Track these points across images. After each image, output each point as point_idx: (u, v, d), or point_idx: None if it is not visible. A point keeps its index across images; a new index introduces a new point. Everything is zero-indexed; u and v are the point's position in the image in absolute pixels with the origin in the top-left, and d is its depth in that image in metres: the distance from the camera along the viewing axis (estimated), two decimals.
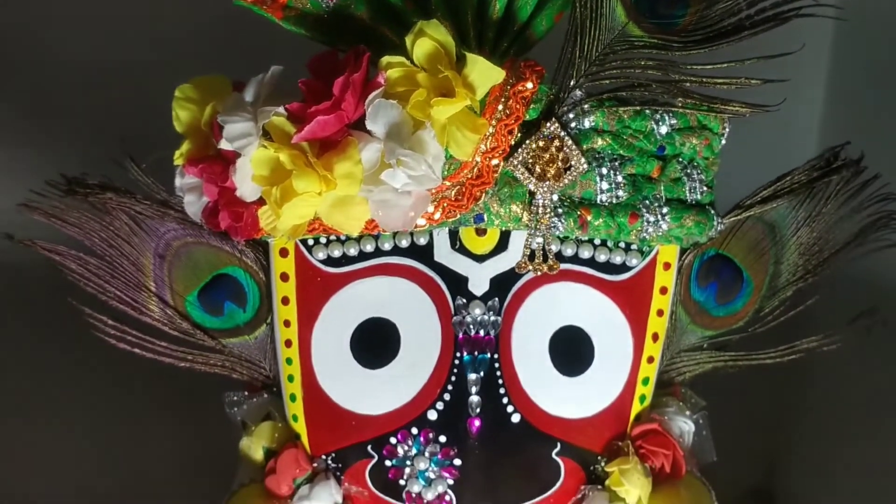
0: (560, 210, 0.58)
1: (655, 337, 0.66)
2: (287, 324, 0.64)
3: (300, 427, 0.66)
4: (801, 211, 0.68)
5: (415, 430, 0.62)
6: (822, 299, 0.70)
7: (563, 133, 0.56)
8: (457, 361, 0.61)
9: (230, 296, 0.67)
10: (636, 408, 0.67)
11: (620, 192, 0.60)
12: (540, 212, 0.58)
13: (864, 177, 0.69)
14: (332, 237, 0.62)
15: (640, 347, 0.65)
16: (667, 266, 0.65)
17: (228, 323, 0.67)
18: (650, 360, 0.66)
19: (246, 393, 0.69)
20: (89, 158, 0.65)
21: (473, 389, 0.61)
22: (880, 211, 0.69)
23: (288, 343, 0.65)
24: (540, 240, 0.59)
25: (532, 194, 0.58)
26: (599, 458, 0.66)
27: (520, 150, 0.56)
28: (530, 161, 0.57)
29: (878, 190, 0.69)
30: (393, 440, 0.63)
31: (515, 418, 0.62)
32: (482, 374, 0.61)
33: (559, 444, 0.64)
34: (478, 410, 0.61)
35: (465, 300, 0.61)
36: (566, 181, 0.58)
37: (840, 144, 0.68)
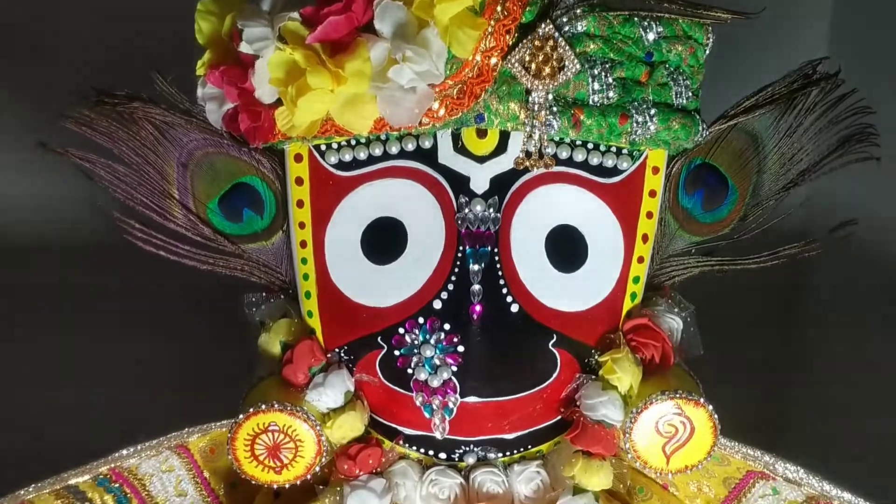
0: (555, 109, 0.63)
1: (645, 238, 0.71)
2: (302, 226, 0.69)
3: (315, 322, 0.71)
4: (782, 123, 0.73)
5: (421, 320, 0.67)
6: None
7: (557, 34, 0.61)
8: (459, 254, 0.66)
9: (249, 203, 0.71)
10: (627, 304, 0.71)
11: (611, 94, 0.64)
12: (536, 109, 0.62)
13: (841, 90, 0.73)
14: (343, 143, 0.67)
15: (631, 247, 0.70)
16: (655, 170, 0.69)
17: (247, 229, 0.72)
18: (640, 259, 0.71)
19: (264, 294, 0.73)
20: (117, 73, 0.70)
21: (475, 279, 0.65)
22: (856, 123, 0.73)
23: (303, 244, 0.69)
24: (537, 138, 0.64)
25: (528, 92, 0.62)
26: (593, 351, 0.70)
27: (517, 49, 0.61)
28: (527, 60, 0.61)
29: (855, 104, 0.74)
30: (401, 330, 0.67)
31: (514, 308, 0.67)
32: (483, 265, 0.65)
33: (555, 336, 0.68)
34: (479, 298, 0.65)
35: (467, 198, 0.66)
36: (560, 80, 0.62)
37: (818, 59, 0.72)
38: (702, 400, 0.68)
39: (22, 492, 0.76)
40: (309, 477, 0.69)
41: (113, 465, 0.77)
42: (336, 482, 0.69)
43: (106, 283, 1.11)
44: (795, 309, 1.32)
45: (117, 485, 0.79)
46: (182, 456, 0.79)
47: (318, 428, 0.68)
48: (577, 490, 0.69)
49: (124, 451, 0.77)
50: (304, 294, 0.70)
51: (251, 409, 0.67)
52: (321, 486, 0.70)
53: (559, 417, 0.71)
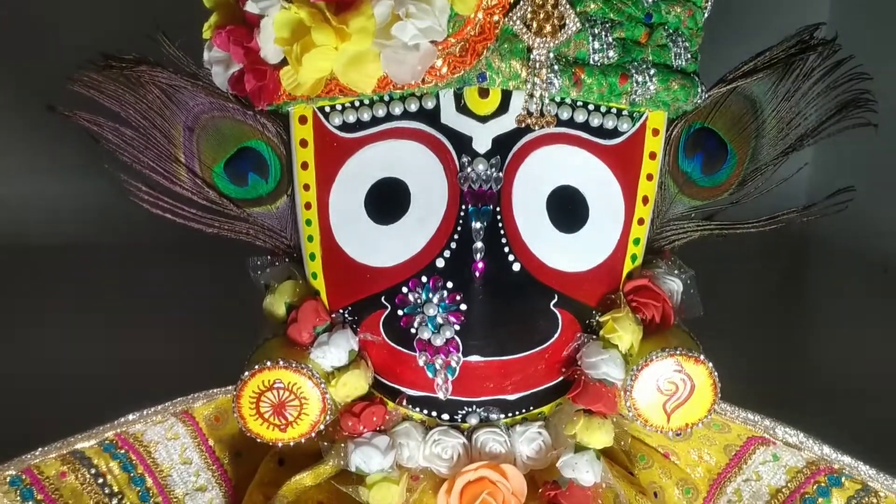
0: (556, 67, 0.64)
1: (645, 200, 0.71)
2: (306, 187, 0.70)
3: (319, 284, 0.72)
4: (781, 87, 0.74)
5: (424, 279, 0.68)
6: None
7: None
8: (462, 213, 0.67)
9: (254, 167, 0.72)
10: (628, 266, 0.72)
11: (611, 53, 0.65)
12: (537, 67, 0.63)
13: (838, 56, 0.74)
14: (347, 104, 0.68)
15: (632, 209, 0.71)
16: (655, 132, 0.70)
17: (252, 193, 0.73)
18: (640, 221, 0.72)
19: (269, 258, 0.74)
20: (125, 38, 0.71)
21: (477, 237, 0.66)
22: (852, 89, 0.74)
23: (307, 205, 0.70)
24: (538, 97, 0.65)
25: (530, 50, 0.63)
26: (594, 311, 0.71)
27: (518, 6, 0.62)
28: (528, 17, 0.62)
29: (852, 69, 0.75)
30: (404, 289, 0.68)
31: (516, 267, 0.68)
32: (485, 224, 0.66)
33: (556, 296, 0.69)
34: (481, 256, 0.66)
35: (469, 158, 0.67)
36: (561, 38, 0.63)
37: (815, 24, 0.73)
38: (702, 357, 0.69)
39: (28, 456, 0.77)
40: (313, 435, 0.70)
41: (119, 431, 0.78)
42: (340, 440, 0.70)
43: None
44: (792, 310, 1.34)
45: (123, 451, 0.79)
46: (187, 424, 0.80)
47: (322, 386, 0.69)
48: (579, 448, 0.70)
49: (130, 417, 0.78)
50: (309, 256, 0.71)
51: (256, 367, 0.68)
52: (326, 444, 0.70)
53: (561, 379, 0.72)
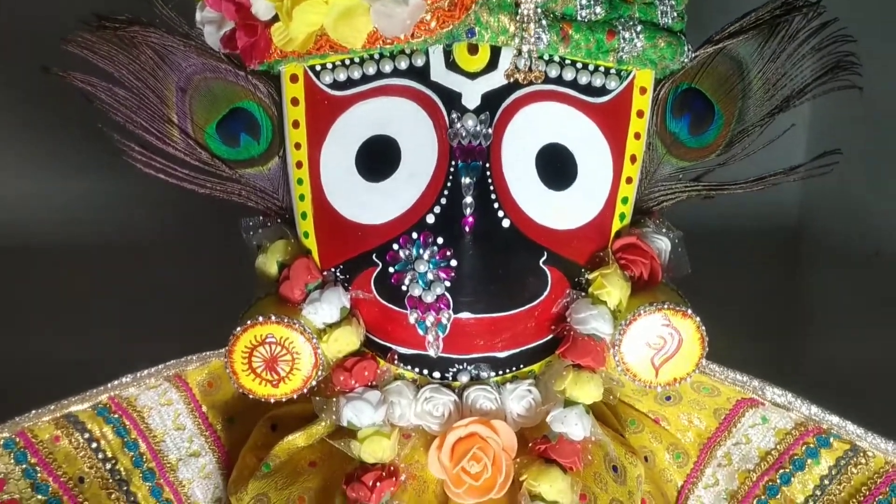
0: (544, 23, 0.65)
1: (633, 159, 0.72)
2: (297, 146, 0.71)
3: (311, 243, 0.72)
4: (766, 49, 0.75)
5: (415, 235, 0.68)
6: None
7: None
8: (452, 169, 0.67)
9: (245, 128, 0.73)
10: (616, 225, 0.73)
11: (598, 9, 0.66)
12: (525, 21, 0.64)
13: (823, 18, 0.75)
14: (337, 62, 0.69)
15: (620, 167, 0.72)
16: (643, 91, 0.71)
17: (244, 154, 0.74)
18: (629, 180, 0.72)
19: (261, 218, 0.75)
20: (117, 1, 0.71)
21: (467, 192, 0.67)
22: (837, 51, 0.75)
23: (299, 164, 0.71)
24: (526, 52, 0.66)
25: (518, 4, 0.64)
26: (583, 269, 0.72)
27: None
28: None
29: (837, 32, 0.75)
30: (395, 246, 0.69)
31: (505, 223, 0.68)
32: (475, 179, 0.67)
33: (546, 253, 0.70)
34: (471, 211, 0.67)
35: (459, 114, 0.67)
36: None
37: None
38: (689, 311, 0.69)
39: (21, 418, 0.77)
40: (305, 391, 0.71)
41: (112, 394, 0.79)
42: (332, 395, 0.71)
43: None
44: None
45: (116, 415, 0.80)
46: (180, 389, 0.81)
47: (314, 341, 0.69)
48: (568, 403, 0.71)
49: (124, 379, 0.78)
50: (300, 215, 0.72)
51: (248, 322, 0.69)
52: (318, 399, 0.71)
53: (550, 337, 0.73)
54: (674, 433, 0.82)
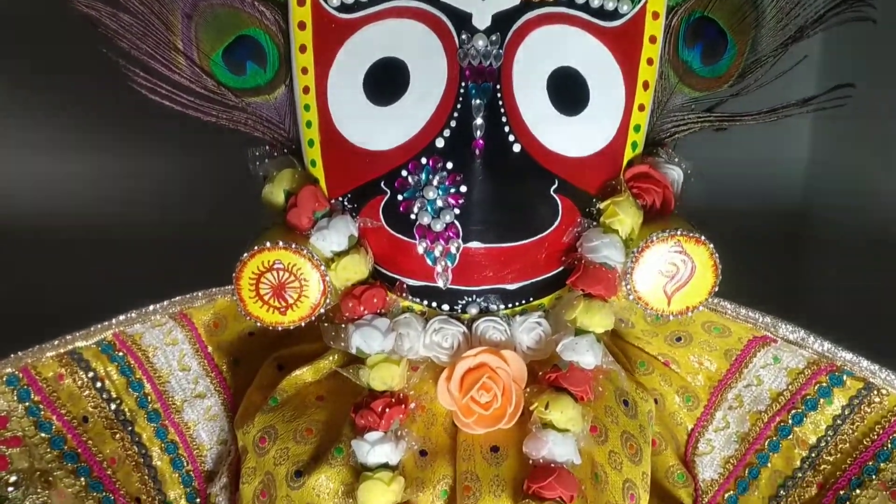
0: None
1: (646, 85, 0.71)
2: (305, 71, 0.70)
3: (318, 172, 0.71)
4: None
5: (424, 160, 0.67)
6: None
7: None
8: (461, 90, 0.66)
9: (252, 56, 0.72)
10: (628, 153, 0.72)
11: None
12: None
13: None
14: None
15: (632, 94, 0.71)
16: (655, 16, 0.70)
17: (250, 82, 0.72)
18: (641, 107, 0.71)
19: (267, 148, 0.74)
20: None
21: (477, 114, 0.66)
22: None
23: (306, 90, 0.70)
24: None
25: None
26: (594, 199, 0.71)
27: None
28: None
29: None
30: (404, 172, 0.68)
31: (516, 148, 0.67)
32: (485, 101, 0.66)
33: (557, 181, 0.69)
34: (481, 133, 0.66)
35: (469, 34, 0.66)
36: None
37: None
38: (703, 237, 0.68)
39: (25, 353, 0.77)
40: (314, 319, 0.70)
41: (117, 330, 0.78)
42: (341, 322, 0.70)
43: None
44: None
45: (121, 353, 0.79)
46: (186, 328, 0.80)
47: (322, 268, 0.68)
48: (579, 332, 0.70)
49: (130, 315, 0.77)
50: (308, 142, 0.71)
51: (256, 247, 0.68)
52: (326, 325, 0.70)
53: (561, 269, 0.72)
54: (684, 376, 0.81)
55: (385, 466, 0.66)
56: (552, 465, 0.66)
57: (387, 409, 0.67)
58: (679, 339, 0.79)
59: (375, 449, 0.66)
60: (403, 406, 0.68)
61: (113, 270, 1.17)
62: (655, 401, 0.78)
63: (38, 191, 1.25)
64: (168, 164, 1.22)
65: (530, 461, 0.67)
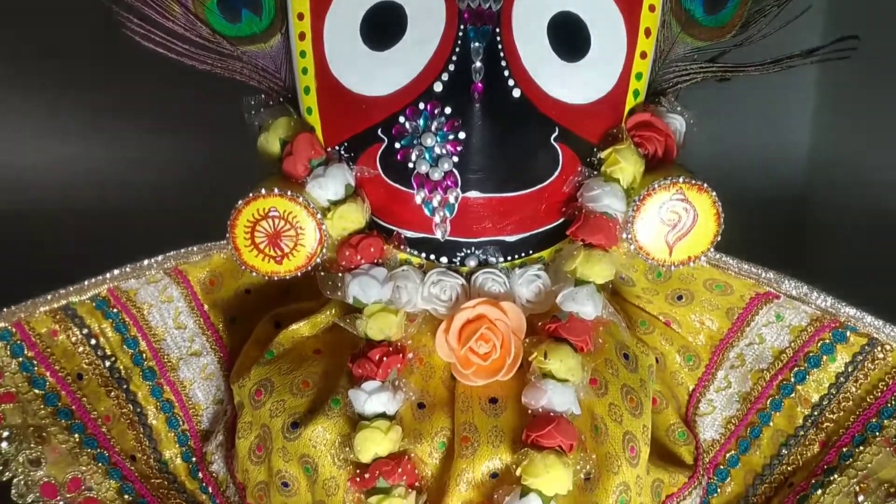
0: None
1: (648, 32, 0.70)
2: (300, 17, 0.69)
3: (314, 120, 0.70)
4: None
5: (422, 105, 0.66)
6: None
7: None
8: (460, 34, 0.65)
9: (247, 3, 0.71)
10: (630, 102, 0.71)
11: None
12: None
13: None
14: None
15: (634, 41, 0.69)
16: None
17: (245, 31, 0.71)
18: (643, 55, 0.70)
19: (263, 97, 0.73)
20: None
21: (476, 57, 0.65)
22: None
23: (301, 36, 0.69)
24: None
25: None
26: (595, 149, 0.70)
27: None
28: None
29: None
30: (401, 119, 0.67)
31: (516, 93, 0.66)
32: (484, 44, 0.65)
33: (557, 129, 0.68)
34: (480, 77, 0.65)
35: None
36: None
37: None
38: (705, 185, 0.67)
39: (17, 307, 0.76)
40: (310, 269, 0.69)
41: (112, 286, 0.77)
42: (337, 272, 0.69)
43: None
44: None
45: (115, 310, 0.78)
46: (181, 285, 0.79)
47: (318, 216, 0.67)
48: (579, 283, 0.69)
49: (125, 269, 0.76)
50: (304, 90, 0.70)
51: (251, 194, 0.67)
52: (323, 273, 0.69)
53: (561, 221, 0.71)
54: (685, 335, 0.80)
55: (382, 416, 0.66)
56: (551, 413, 0.65)
57: (384, 359, 0.66)
58: (680, 297, 0.78)
59: (373, 398, 0.65)
60: (401, 356, 0.67)
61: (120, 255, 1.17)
62: (656, 360, 0.78)
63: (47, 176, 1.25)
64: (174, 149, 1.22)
65: (529, 411, 0.66)
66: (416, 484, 0.66)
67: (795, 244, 1.34)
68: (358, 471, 0.65)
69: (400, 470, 0.64)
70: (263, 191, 0.67)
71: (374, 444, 0.64)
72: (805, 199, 1.35)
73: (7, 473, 0.74)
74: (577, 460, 0.65)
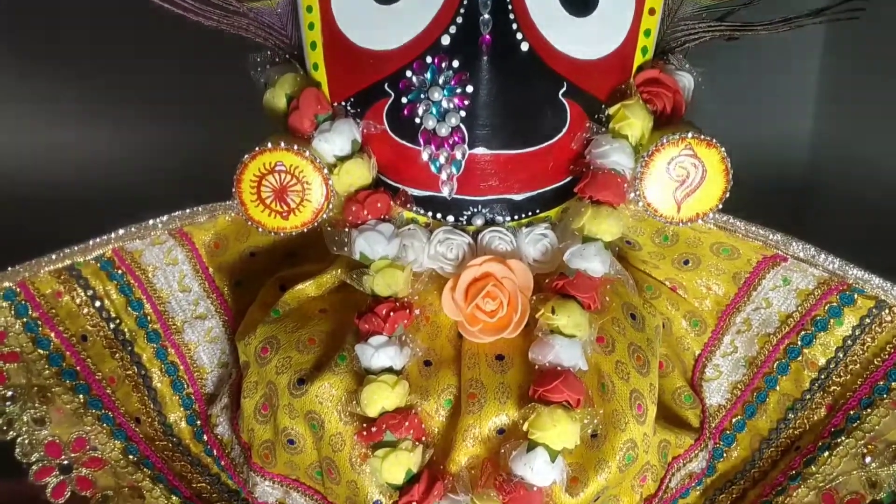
0: None
1: None
2: None
3: (320, 75, 0.70)
4: None
5: (429, 59, 0.65)
6: None
7: None
8: None
9: None
10: (638, 59, 0.70)
11: None
12: None
13: None
14: None
15: None
16: None
17: None
18: (651, 11, 0.69)
19: (269, 53, 0.72)
20: None
21: (484, 9, 0.64)
22: None
23: None
24: None
25: None
26: (603, 106, 0.69)
27: None
28: None
29: None
30: (408, 73, 0.66)
31: (524, 47, 0.66)
32: None
33: (566, 84, 0.67)
34: (488, 29, 0.64)
35: None
36: None
37: None
38: (714, 140, 0.67)
39: (21, 267, 0.75)
40: (316, 224, 0.68)
41: (116, 246, 0.77)
42: (343, 228, 0.68)
43: None
44: None
45: (120, 271, 0.78)
46: (186, 248, 0.79)
47: (325, 171, 0.67)
48: (587, 241, 0.68)
49: (131, 228, 0.76)
50: (310, 45, 0.69)
51: (257, 148, 0.66)
52: (329, 228, 0.69)
53: (569, 180, 0.70)
54: (691, 301, 0.80)
55: (389, 371, 0.65)
56: (559, 368, 0.65)
57: (391, 313, 0.65)
58: (687, 261, 0.78)
59: (379, 353, 0.65)
60: (408, 311, 0.67)
61: None
62: (662, 325, 0.77)
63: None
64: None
65: (536, 367, 0.66)
66: (423, 438, 0.66)
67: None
68: (364, 425, 0.65)
69: (407, 424, 0.64)
70: (269, 144, 0.66)
71: (381, 397, 0.64)
72: (807, 189, 1.34)
73: (11, 432, 0.74)
74: (585, 415, 0.65)
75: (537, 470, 0.63)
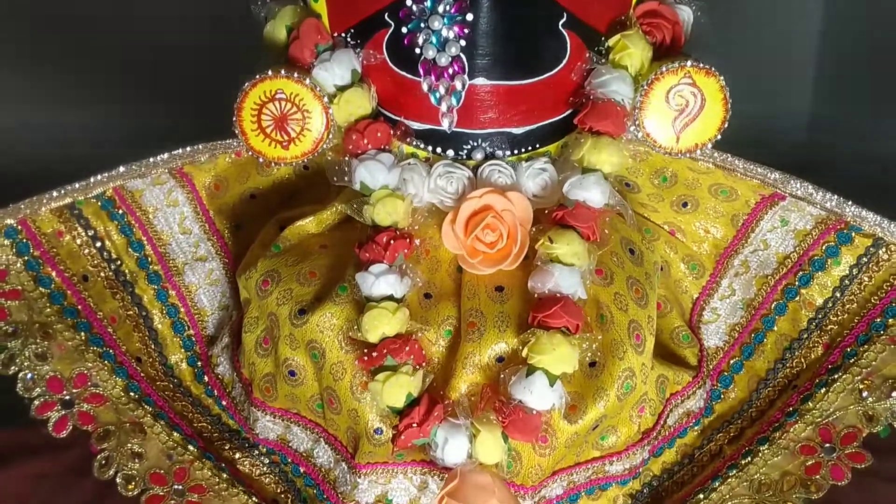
0: None
1: None
2: None
3: (321, 7, 0.70)
4: None
5: None
6: None
7: None
8: None
9: None
10: None
11: None
12: None
13: None
14: None
15: None
16: None
17: None
18: None
19: None
20: None
21: None
22: None
23: None
24: None
25: None
26: (603, 39, 0.69)
27: None
28: None
29: None
30: (408, 1, 0.66)
31: None
32: None
33: (566, 15, 0.67)
34: None
35: None
36: None
37: None
38: (713, 69, 0.67)
39: (22, 203, 0.75)
40: (316, 154, 0.68)
41: (117, 184, 0.77)
42: (344, 155, 0.69)
43: None
44: None
45: (121, 211, 0.78)
46: (186, 189, 0.79)
47: (325, 99, 0.67)
48: (587, 172, 0.68)
49: (132, 165, 0.76)
50: None
51: (258, 76, 0.66)
52: (330, 157, 0.69)
53: (568, 113, 0.71)
54: (689, 244, 0.80)
55: (390, 299, 0.66)
56: (558, 295, 0.65)
57: (391, 242, 0.66)
58: (685, 204, 0.78)
59: (380, 280, 0.65)
60: (408, 241, 0.67)
61: None
62: (661, 268, 0.78)
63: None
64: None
65: (536, 295, 0.66)
66: (423, 364, 0.66)
67: None
68: (365, 350, 0.65)
69: (407, 348, 0.64)
70: (270, 72, 0.66)
71: (382, 323, 0.64)
72: (804, 168, 1.34)
73: (13, 367, 0.74)
74: (583, 341, 0.65)
75: (536, 393, 0.63)
